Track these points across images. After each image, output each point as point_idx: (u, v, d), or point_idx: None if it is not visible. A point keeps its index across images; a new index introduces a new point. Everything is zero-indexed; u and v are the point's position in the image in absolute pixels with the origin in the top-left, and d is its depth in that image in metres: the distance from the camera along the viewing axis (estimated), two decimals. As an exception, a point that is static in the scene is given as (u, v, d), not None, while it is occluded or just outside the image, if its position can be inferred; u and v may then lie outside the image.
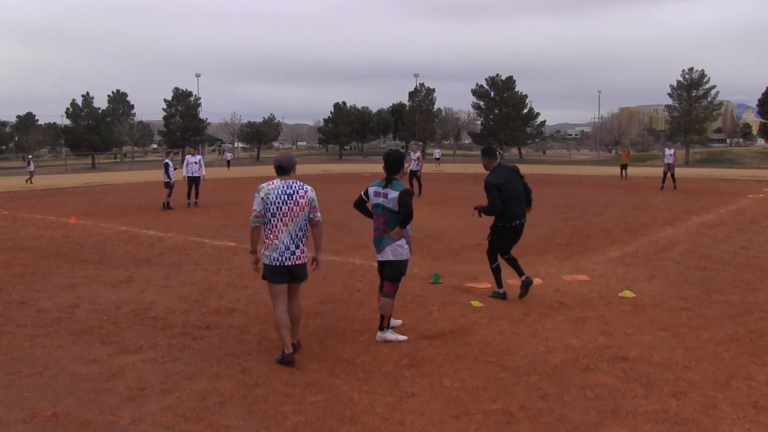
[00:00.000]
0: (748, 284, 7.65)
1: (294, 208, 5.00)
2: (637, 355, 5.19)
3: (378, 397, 4.38)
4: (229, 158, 49.59)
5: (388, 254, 5.50)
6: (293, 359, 5.00)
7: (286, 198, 4.99)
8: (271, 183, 5.10)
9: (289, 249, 5.01)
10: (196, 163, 17.47)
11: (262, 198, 5.02)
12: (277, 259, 5.01)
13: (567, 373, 4.82)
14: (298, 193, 5.03)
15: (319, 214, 5.17)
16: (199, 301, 7.09)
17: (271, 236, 5.04)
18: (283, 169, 5.11)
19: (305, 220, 5.09)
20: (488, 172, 6.92)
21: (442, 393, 4.45)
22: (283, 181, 5.08)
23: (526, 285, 6.96)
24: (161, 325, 6.13)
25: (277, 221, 5.00)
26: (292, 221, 5.00)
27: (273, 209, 5.00)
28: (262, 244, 5.14)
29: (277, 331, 5.13)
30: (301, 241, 5.08)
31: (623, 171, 29.83)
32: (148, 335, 5.83)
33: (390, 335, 5.60)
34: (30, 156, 37.58)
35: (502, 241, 6.98)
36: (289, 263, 5.02)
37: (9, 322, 6.27)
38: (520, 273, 7.00)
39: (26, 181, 30.74)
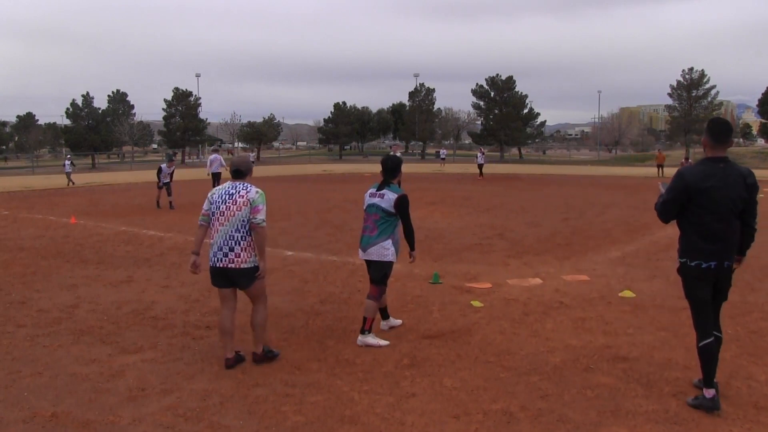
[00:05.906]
0: (748, 284, 7.63)
1: (231, 207, 4.84)
2: (637, 355, 5.19)
3: (378, 397, 4.38)
4: (252, 159, 50.61)
5: (373, 254, 5.47)
6: (231, 364, 4.97)
7: (226, 197, 4.89)
8: (224, 184, 5.07)
9: (222, 250, 4.84)
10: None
11: (209, 198, 5.01)
12: (211, 260, 4.92)
13: (567, 373, 4.82)
14: (239, 192, 4.88)
15: (259, 216, 4.83)
16: (199, 301, 7.09)
17: (210, 236, 4.97)
18: (240, 173, 5.01)
19: (243, 221, 4.84)
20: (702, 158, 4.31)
21: (442, 393, 4.45)
22: (231, 182, 5.01)
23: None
24: (161, 325, 6.13)
25: (215, 220, 4.91)
26: (228, 221, 4.84)
27: (213, 208, 4.93)
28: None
29: (219, 336, 5.10)
30: (238, 244, 4.82)
31: (660, 170, 34.58)
32: (148, 335, 5.83)
33: (371, 339, 5.47)
34: (69, 155, 34.74)
35: (689, 291, 4.31)
36: (221, 265, 4.85)
37: (9, 322, 6.27)
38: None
39: (68, 183, 29.13)
